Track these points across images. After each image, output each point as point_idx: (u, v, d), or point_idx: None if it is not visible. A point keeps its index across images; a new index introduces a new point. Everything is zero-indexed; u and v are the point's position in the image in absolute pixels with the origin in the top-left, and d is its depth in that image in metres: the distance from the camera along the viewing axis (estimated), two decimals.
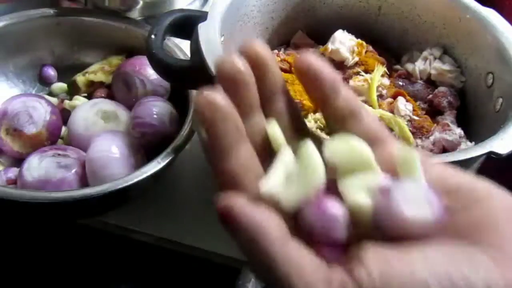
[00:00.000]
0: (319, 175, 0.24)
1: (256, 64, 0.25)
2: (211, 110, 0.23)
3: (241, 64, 0.25)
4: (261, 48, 0.26)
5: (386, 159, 0.25)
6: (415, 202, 0.22)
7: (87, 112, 0.58)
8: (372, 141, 0.26)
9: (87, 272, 0.56)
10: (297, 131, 0.27)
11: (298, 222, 0.23)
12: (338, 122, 0.27)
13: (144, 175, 0.50)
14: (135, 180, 0.50)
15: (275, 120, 0.26)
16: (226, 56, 0.25)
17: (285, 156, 0.25)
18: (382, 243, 0.22)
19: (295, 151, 0.25)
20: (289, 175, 0.24)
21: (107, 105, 0.60)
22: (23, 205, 0.49)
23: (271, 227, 0.22)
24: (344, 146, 0.25)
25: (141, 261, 0.57)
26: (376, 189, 0.23)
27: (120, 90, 0.64)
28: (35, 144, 0.56)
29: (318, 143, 0.26)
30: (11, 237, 0.57)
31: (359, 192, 0.24)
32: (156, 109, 0.59)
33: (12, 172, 0.55)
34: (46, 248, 0.57)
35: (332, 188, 0.24)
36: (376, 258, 0.21)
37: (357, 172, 0.24)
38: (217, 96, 0.23)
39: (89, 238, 0.57)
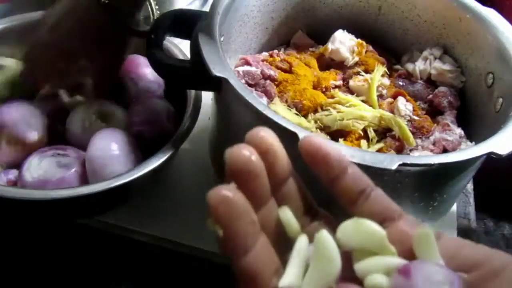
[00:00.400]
0: (336, 264, 0.25)
1: (265, 152, 0.26)
2: (226, 208, 0.23)
3: (252, 156, 0.25)
4: (268, 135, 0.26)
5: (398, 237, 0.26)
6: (436, 283, 0.23)
7: (84, 113, 0.58)
8: (383, 219, 0.26)
9: (87, 272, 0.56)
10: (308, 212, 0.28)
11: None
12: (347, 201, 0.27)
13: (144, 171, 0.50)
14: (135, 176, 0.49)
15: (287, 207, 0.27)
16: (235, 148, 0.25)
17: (301, 246, 0.26)
18: None
19: (309, 234, 0.26)
20: (306, 264, 0.25)
21: (104, 105, 0.60)
22: (24, 204, 0.49)
23: None
24: (357, 229, 0.25)
25: (141, 261, 0.57)
26: (393, 271, 0.24)
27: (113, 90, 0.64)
28: (28, 149, 0.55)
29: (326, 221, 0.27)
30: (12, 236, 0.57)
31: (377, 274, 0.24)
32: (153, 106, 0.59)
33: (12, 174, 0.55)
34: (46, 248, 0.57)
35: (348, 271, 0.25)
36: None
37: (372, 254, 0.25)
38: (230, 194, 0.24)
39: (89, 238, 0.57)
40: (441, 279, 0.23)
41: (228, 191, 0.24)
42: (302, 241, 0.26)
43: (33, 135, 0.55)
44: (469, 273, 0.24)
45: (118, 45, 0.60)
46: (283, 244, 0.26)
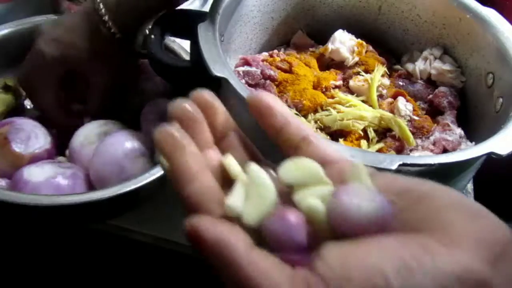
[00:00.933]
0: (270, 189, 0.26)
1: (205, 107, 0.29)
2: (170, 140, 0.26)
3: (191, 105, 0.28)
4: (208, 94, 0.29)
5: (337, 175, 0.28)
6: (364, 200, 0.24)
7: (91, 131, 0.57)
8: (324, 162, 0.28)
9: (87, 272, 0.56)
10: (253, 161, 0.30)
11: (262, 236, 0.25)
12: (291, 149, 0.29)
13: (153, 177, 0.49)
14: (145, 182, 0.49)
15: (230, 154, 0.29)
16: (177, 100, 0.28)
17: (242, 180, 0.27)
18: (340, 241, 0.24)
19: None
20: (247, 195, 0.27)
21: (116, 128, 0.58)
22: (37, 210, 0.48)
23: (236, 239, 0.24)
24: (296, 166, 0.27)
25: (141, 262, 0.57)
26: (328, 195, 0.26)
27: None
28: (13, 163, 0.54)
29: (273, 169, 0.29)
30: (13, 238, 0.57)
31: (313, 198, 0.26)
32: (162, 107, 0.58)
33: (4, 181, 0.53)
34: (46, 249, 0.57)
35: (289, 204, 0.27)
36: (335, 252, 0.23)
37: (310, 187, 0.27)
38: (174, 128, 0.27)
39: (89, 239, 0.57)
40: (368, 196, 0.25)
41: (171, 126, 0.27)
42: (243, 177, 0.27)
43: (19, 148, 0.54)
44: (399, 199, 0.26)
45: (130, 67, 0.61)
46: (227, 189, 0.28)
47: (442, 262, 0.22)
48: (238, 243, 0.24)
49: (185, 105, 0.28)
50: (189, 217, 0.25)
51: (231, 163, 0.28)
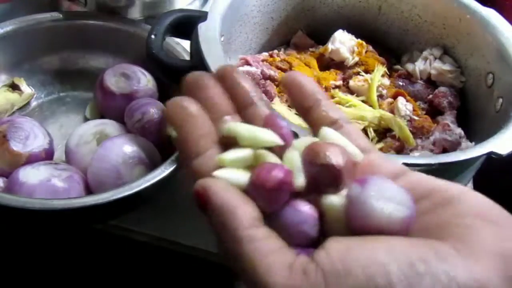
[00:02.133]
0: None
1: (223, 77, 0.28)
2: (178, 110, 0.26)
3: (204, 73, 0.28)
4: (228, 65, 0.29)
5: (367, 164, 0.26)
6: (386, 199, 0.23)
7: (87, 130, 0.57)
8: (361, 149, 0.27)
9: (86, 272, 0.56)
10: None
11: (272, 222, 0.24)
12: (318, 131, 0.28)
13: (152, 181, 0.49)
14: (143, 186, 0.48)
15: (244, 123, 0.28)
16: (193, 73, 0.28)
17: (244, 143, 0.26)
18: (348, 236, 0.23)
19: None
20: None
21: (111, 128, 0.57)
22: (30, 213, 0.47)
23: (242, 211, 0.23)
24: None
25: (141, 262, 0.57)
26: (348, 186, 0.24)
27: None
28: (11, 162, 0.53)
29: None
30: (13, 238, 0.57)
31: (332, 197, 0.24)
32: (154, 105, 0.58)
33: (1, 180, 0.53)
34: (45, 249, 0.57)
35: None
36: (338, 245, 0.22)
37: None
38: (183, 99, 0.26)
39: (89, 239, 0.57)
40: (394, 197, 0.23)
41: (181, 98, 0.26)
42: (245, 141, 0.26)
43: (17, 146, 0.53)
44: (425, 200, 0.24)
45: None
46: None
47: (455, 272, 0.20)
48: (244, 215, 0.22)
49: (199, 73, 0.28)
50: (201, 179, 0.24)
51: (237, 128, 0.27)
